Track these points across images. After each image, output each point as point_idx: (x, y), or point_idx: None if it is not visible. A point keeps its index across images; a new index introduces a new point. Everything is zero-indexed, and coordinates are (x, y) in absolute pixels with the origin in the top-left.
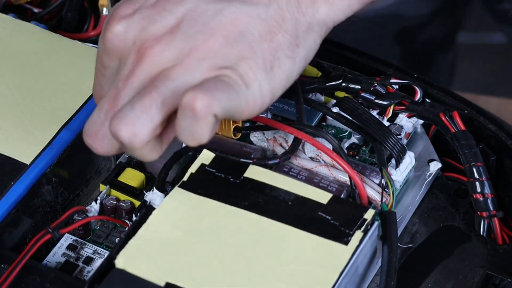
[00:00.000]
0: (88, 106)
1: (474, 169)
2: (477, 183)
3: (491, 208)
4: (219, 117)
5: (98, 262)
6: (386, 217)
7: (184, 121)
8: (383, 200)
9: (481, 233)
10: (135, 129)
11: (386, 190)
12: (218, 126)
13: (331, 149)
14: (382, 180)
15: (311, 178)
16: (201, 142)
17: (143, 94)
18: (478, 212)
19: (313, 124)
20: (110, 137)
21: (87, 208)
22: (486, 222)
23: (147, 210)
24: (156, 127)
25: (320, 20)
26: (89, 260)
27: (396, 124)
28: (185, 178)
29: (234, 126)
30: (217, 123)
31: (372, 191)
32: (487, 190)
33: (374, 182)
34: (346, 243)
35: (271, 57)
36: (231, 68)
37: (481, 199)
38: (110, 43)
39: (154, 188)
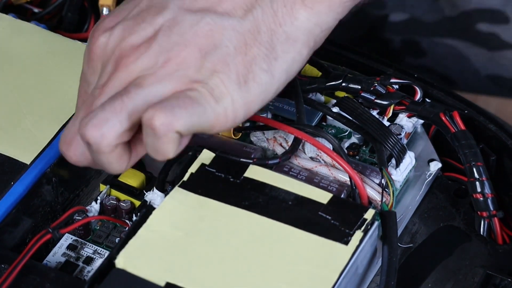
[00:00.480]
0: None
1: (474, 169)
2: (477, 183)
3: (491, 208)
4: (184, 133)
5: (98, 262)
6: (386, 217)
7: (148, 138)
8: (383, 200)
9: (481, 233)
10: (102, 130)
11: (386, 190)
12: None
13: (331, 149)
14: (382, 180)
15: (311, 178)
16: (167, 157)
17: (114, 98)
18: (478, 212)
19: (313, 124)
20: (83, 145)
21: (87, 208)
22: (486, 222)
23: (147, 210)
24: (124, 131)
25: (302, 27)
26: (89, 260)
27: (396, 124)
28: (185, 178)
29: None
30: (186, 138)
31: (372, 191)
32: (487, 190)
33: (374, 182)
34: (346, 243)
35: (245, 70)
36: (202, 82)
37: (481, 199)
38: (92, 54)
39: (154, 188)
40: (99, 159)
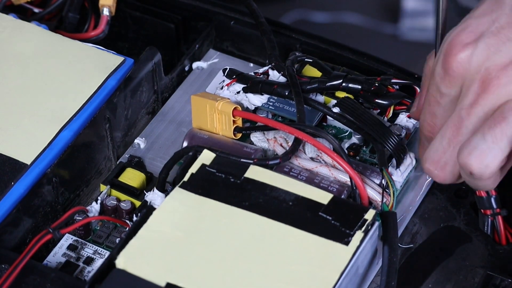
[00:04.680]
0: (88, 106)
1: None
2: None
3: (495, 206)
4: None
5: (98, 262)
6: (386, 217)
7: None
8: (384, 201)
9: (486, 231)
10: (486, 161)
11: (387, 190)
12: (219, 126)
13: (331, 149)
14: (383, 180)
15: (311, 179)
16: None
17: (492, 126)
18: (482, 210)
19: (313, 124)
20: (452, 165)
21: (87, 208)
22: (490, 220)
23: (147, 210)
24: (505, 157)
25: None
26: (89, 260)
27: (396, 124)
28: (185, 178)
29: (234, 126)
30: None
31: (372, 192)
32: None
33: (374, 182)
34: (346, 243)
35: None
36: None
37: (485, 196)
38: (454, 70)
39: (155, 188)
40: (476, 183)
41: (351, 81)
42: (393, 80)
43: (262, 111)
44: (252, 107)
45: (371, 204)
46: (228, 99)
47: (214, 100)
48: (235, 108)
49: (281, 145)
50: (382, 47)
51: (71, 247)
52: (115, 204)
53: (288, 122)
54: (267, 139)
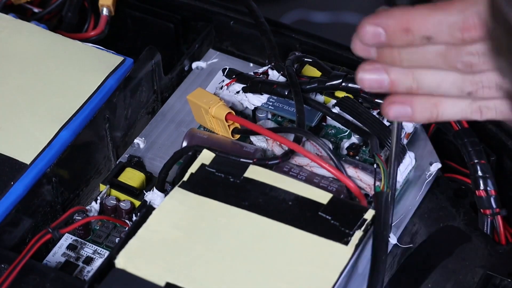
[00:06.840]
0: (88, 106)
1: (478, 167)
2: (480, 180)
3: (494, 206)
4: None
5: (98, 262)
6: (377, 197)
7: None
8: (376, 184)
9: (485, 231)
10: None
11: (379, 176)
12: (217, 128)
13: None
14: (375, 165)
15: (311, 178)
16: None
17: None
18: (482, 210)
19: (313, 124)
20: None
21: (87, 208)
22: (489, 220)
23: (147, 210)
24: None
25: None
26: (89, 260)
27: None
28: (185, 178)
29: (232, 129)
30: None
31: (366, 177)
32: (490, 187)
33: (369, 175)
34: (346, 243)
35: None
36: None
37: (485, 196)
38: None
39: (154, 188)
40: None
41: (350, 80)
42: None
43: (262, 111)
44: (252, 107)
45: (368, 196)
46: (221, 100)
47: (207, 104)
48: (228, 113)
49: (280, 145)
50: None
51: (70, 247)
52: (114, 204)
53: (276, 127)
54: (266, 139)
